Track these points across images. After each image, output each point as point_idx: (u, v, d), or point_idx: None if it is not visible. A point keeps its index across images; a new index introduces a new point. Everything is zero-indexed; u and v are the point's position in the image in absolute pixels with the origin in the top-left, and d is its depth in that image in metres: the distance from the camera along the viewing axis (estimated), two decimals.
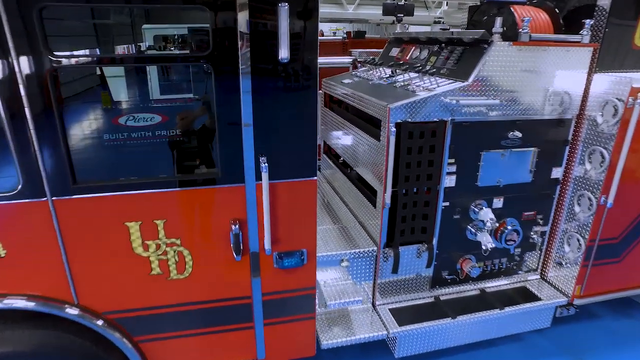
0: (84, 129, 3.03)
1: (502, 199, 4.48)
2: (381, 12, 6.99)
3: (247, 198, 3.06)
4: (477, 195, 4.37)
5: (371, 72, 5.35)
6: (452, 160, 4.09)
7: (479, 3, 5.31)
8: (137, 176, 2.95)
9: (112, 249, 2.99)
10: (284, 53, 2.73)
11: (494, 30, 3.81)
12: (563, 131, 4.39)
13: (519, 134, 4.19)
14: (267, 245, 3.13)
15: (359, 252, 4.18)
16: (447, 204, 4.25)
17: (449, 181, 4.17)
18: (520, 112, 4.11)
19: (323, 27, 20.15)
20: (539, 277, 5.05)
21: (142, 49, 4.34)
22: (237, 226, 3.08)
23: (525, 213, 4.65)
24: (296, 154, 3.06)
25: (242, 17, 2.66)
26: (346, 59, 8.43)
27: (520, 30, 3.82)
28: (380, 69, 5.24)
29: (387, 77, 4.82)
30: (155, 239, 3.04)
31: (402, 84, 4.32)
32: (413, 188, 4.03)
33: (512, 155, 4.29)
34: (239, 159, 2.96)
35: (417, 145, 3.87)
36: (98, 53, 3.87)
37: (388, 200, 3.90)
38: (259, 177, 3.00)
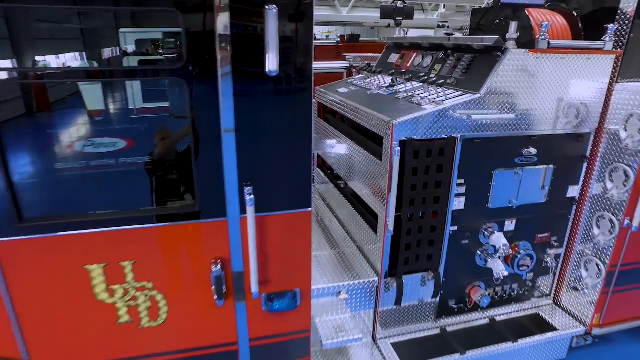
0: (33, 156, 2.55)
1: (514, 221, 4.08)
2: (376, 14, 6.60)
3: (230, 234, 2.61)
4: (487, 218, 3.96)
5: (369, 80, 4.93)
6: (462, 181, 3.68)
7: (483, 5, 4.92)
8: (99, 211, 2.48)
9: (70, 297, 2.53)
10: (272, 65, 2.29)
11: (508, 36, 3.41)
12: (581, 146, 4.00)
13: (534, 151, 3.79)
14: (254, 287, 2.68)
15: (359, 283, 3.74)
16: (455, 228, 3.83)
17: (458, 204, 3.76)
18: (535, 127, 3.71)
19: (315, 30, 19.66)
20: (552, 302, 4.66)
21: (122, 53, 3.84)
22: (219, 266, 2.63)
23: (539, 235, 4.26)
24: (287, 183, 2.62)
25: (222, 22, 2.21)
26: (341, 65, 8.02)
27: (539, 36, 3.42)
28: (379, 77, 4.82)
29: (387, 87, 4.39)
30: (122, 283, 2.58)
31: (405, 95, 3.90)
32: (418, 212, 3.61)
33: (526, 173, 3.88)
34: (220, 188, 2.51)
35: (424, 165, 3.45)
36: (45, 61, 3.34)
37: (391, 227, 3.47)
38: (243, 210, 2.55)
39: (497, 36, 3.33)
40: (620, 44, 3.71)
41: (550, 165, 3.95)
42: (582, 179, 4.14)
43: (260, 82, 2.38)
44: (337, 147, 4.78)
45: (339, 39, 8.72)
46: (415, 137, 3.35)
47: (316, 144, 5.72)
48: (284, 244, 2.74)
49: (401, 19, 5.34)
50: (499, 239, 3.85)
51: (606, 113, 3.91)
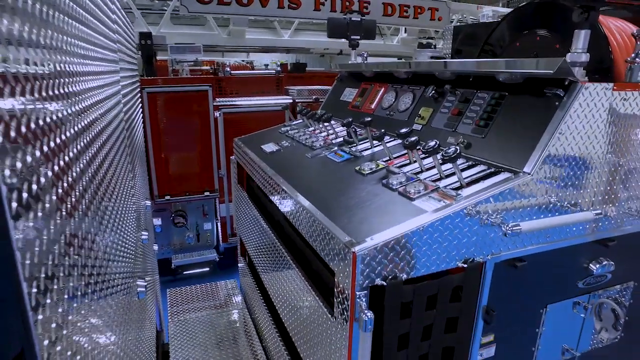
0: None
1: None
2: (325, 39, 4.93)
3: None
4: None
5: (312, 131, 3.12)
6: (491, 338, 1.88)
7: (484, 19, 3.28)
8: None
9: None
10: None
11: (570, 58, 1.70)
12: None
13: (609, 264, 2.07)
14: None
15: None
16: None
17: None
18: (618, 223, 2.00)
19: (257, 58, 17.64)
20: None
21: None
22: None
23: None
24: None
25: None
26: (280, 101, 6.25)
27: (634, 57, 1.74)
28: (328, 125, 3.02)
29: (339, 146, 2.60)
30: None
31: (375, 167, 2.10)
32: None
33: (593, 301, 2.16)
34: None
35: (421, 327, 1.62)
36: None
37: None
38: None
39: (562, 57, 1.61)
40: None
41: (631, 283, 2.26)
42: None
43: None
44: (264, 250, 2.88)
45: (279, 68, 7.06)
46: (403, 276, 1.52)
47: (236, 220, 3.80)
48: None
49: (357, 37, 3.67)
50: None
51: None
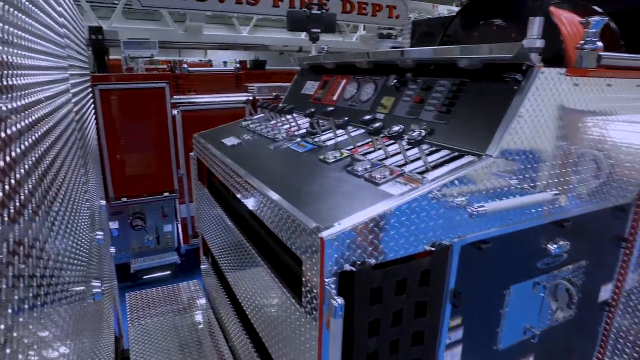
0: None
1: (532, 358, 2.40)
2: (285, 35, 4.87)
3: None
4: None
5: (274, 124, 3.07)
6: (458, 321, 1.91)
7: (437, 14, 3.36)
8: None
9: None
10: None
11: (527, 43, 1.74)
12: (619, 225, 2.48)
13: (565, 244, 2.15)
14: None
15: None
16: None
17: (450, 359, 1.96)
18: (573, 205, 2.09)
19: (215, 58, 16.92)
20: None
21: None
22: None
23: None
24: None
25: None
26: (240, 97, 6.14)
27: (583, 44, 1.81)
28: (290, 117, 2.98)
29: (302, 137, 2.57)
30: None
31: (339, 155, 2.08)
32: None
33: (551, 281, 2.24)
34: None
35: (391, 312, 1.61)
36: None
37: None
38: None
39: (519, 42, 1.65)
40: None
41: (583, 262, 2.36)
42: (616, 272, 2.61)
43: None
44: (229, 249, 2.80)
45: (238, 65, 6.91)
46: (372, 260, 1.51)
47: (198, 218, 3.69)
48: None
49: (318, 30, 3.65)
50: None
51: None
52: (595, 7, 2.41)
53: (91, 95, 4.73)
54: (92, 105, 4.87)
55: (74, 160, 2.10)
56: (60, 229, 1.46)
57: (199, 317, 3.78)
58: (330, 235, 1.39)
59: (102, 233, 2.61)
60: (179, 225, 6.55)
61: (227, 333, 3.28)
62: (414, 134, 1.67)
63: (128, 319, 3.67)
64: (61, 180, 1.60)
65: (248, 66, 7.39)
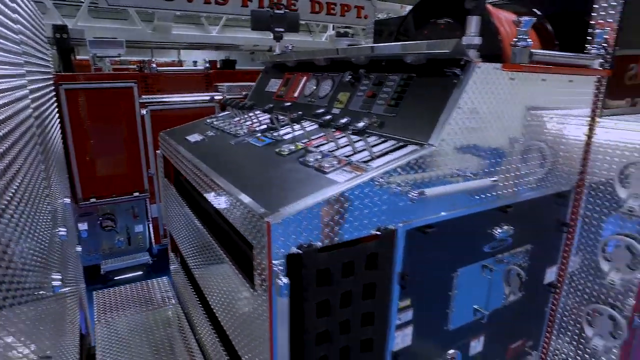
0: None
1: (482, 338, 2.54)
2: (254, 35, 4.93)
3: None
4: (447, 346, 2.35)
5: (237, 120, 3.14)
6: (407, 302, 2.02)
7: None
8: None
9: None
10: None
11: (465, 40, 1.87)
12: (560, 211, 2.66)
13: (509, 229, 2.30)
14: None
15: None
16: None
17: (402, 339, 2.08)
18: (514, 191, 2.24)
19: (188, 58, 16.69)
20: None
21: None
22: None
23: (512, 346, 2.79)
24: None
25: None
26: (209, 97, 6.15)
27: (516, 41, 1.95)
28: (252, 114, 3.05)
29: (262, 132, 2.65)
30: None
31: (293, 148, 2.17)
32: None
33: (498, 265, 2.39)
34: None
35: (339, 293, 1.71)
36: None
37: None
38: None
39: (457, 39, 1.77)
40: (606, 60, 2.44)
41: (528, 246, 2.52)
42: (560, 255, 2.79)
43: None
44: (194, 243, 2.86)
45: (208, 65, 6.91)
46: (319, 244, 1.60)
47: (166, 217, 3.71)
48: None
49: (281, 30, 3.73)
50: None
51: (588, 160, 2.61)
52: (535, 10, 2.57)
53: (53, 94, 4.68)
54: (56, 105, 4.81)
55: (31, 155, 2.12)
56: (17, 226, 1.50)
57: (168, 313, 3.80)
58: (276, 219, 1.48)
59: (64, 229, 2.63)
60: (150, 225, 6.51)
61: (195, 328, 3.33)
62: (358, 125, 1.77)
63: (95, 317, 3.66)
64: (14, 175, 1.63)
65: (218, 66, 7.40)
